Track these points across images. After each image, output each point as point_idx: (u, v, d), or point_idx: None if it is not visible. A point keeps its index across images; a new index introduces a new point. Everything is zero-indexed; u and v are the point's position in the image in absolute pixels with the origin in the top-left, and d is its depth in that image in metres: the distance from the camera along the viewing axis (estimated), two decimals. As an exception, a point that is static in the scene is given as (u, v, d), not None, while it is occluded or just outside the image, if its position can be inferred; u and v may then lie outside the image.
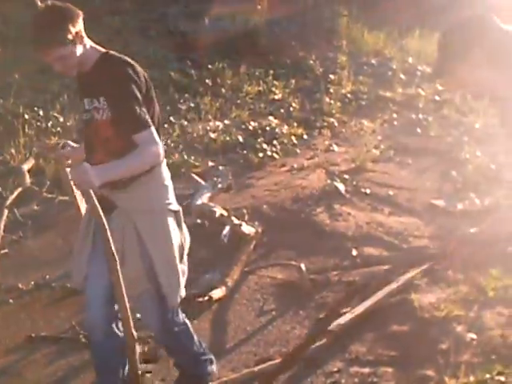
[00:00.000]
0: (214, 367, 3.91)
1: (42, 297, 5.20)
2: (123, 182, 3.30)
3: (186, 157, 7.82)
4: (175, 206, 3.52)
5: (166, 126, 8.78)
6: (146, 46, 11.47)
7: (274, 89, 10.60)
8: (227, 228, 5.84)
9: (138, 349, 3.54)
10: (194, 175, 7.29)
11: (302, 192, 6.90)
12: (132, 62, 3.33)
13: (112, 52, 3.38)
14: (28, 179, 6.73)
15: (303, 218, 6.42)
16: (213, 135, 8.60)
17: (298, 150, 8.53)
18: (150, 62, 10.92)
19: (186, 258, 3.61)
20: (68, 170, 3.24)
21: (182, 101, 9.76)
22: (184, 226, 3.62)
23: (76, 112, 8.45)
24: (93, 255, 3.47)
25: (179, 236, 3.54)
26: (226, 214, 6.11)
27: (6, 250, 5.67)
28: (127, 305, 3.22)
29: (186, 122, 9.01)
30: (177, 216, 3.53)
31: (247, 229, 5.93)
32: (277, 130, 8.98)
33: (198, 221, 6.15)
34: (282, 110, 9.88)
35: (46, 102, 8.75)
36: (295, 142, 8.76)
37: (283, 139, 8.72)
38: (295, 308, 5.05)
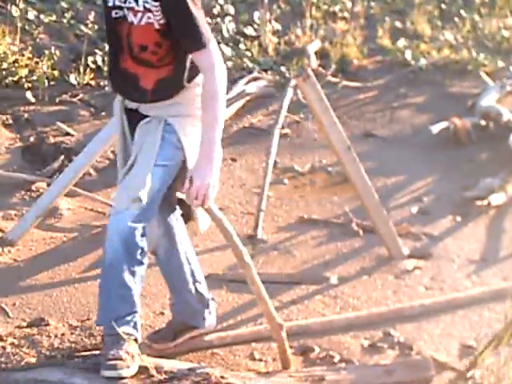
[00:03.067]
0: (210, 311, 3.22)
1: (316, 180, 5.23)
2: (162, 93, 2.83)
3: (474, 54, 7.43)
4: None
5: (456, 19, 8.41)
6: None
7: None
8: (516, 134, 5.49)
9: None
10: (482, 74, 6.94)
11: None
12: None
13: None
14: (315, 61, 6.75)
15: None
16: (506, 33, 8.08)
17: None
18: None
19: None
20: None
21: (475, -7, 9.18)
22: None
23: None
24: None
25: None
26: (514, 118, 5.75)
27: (286, 130, 5.75)
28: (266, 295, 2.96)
29: (477, 17, 8.50)
30: None
31: (536, 137, 5.53)
32: None
33: (483, 122, 5.93)
34: None
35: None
36: None
37: None
38: None
